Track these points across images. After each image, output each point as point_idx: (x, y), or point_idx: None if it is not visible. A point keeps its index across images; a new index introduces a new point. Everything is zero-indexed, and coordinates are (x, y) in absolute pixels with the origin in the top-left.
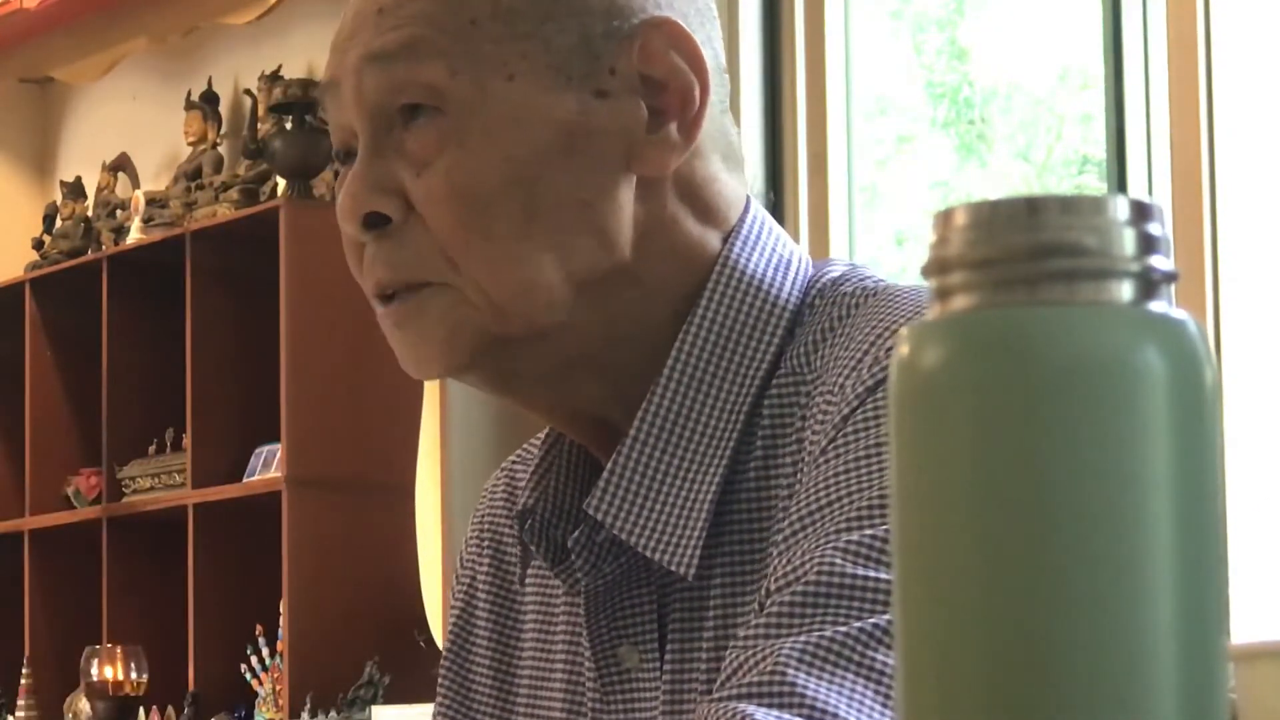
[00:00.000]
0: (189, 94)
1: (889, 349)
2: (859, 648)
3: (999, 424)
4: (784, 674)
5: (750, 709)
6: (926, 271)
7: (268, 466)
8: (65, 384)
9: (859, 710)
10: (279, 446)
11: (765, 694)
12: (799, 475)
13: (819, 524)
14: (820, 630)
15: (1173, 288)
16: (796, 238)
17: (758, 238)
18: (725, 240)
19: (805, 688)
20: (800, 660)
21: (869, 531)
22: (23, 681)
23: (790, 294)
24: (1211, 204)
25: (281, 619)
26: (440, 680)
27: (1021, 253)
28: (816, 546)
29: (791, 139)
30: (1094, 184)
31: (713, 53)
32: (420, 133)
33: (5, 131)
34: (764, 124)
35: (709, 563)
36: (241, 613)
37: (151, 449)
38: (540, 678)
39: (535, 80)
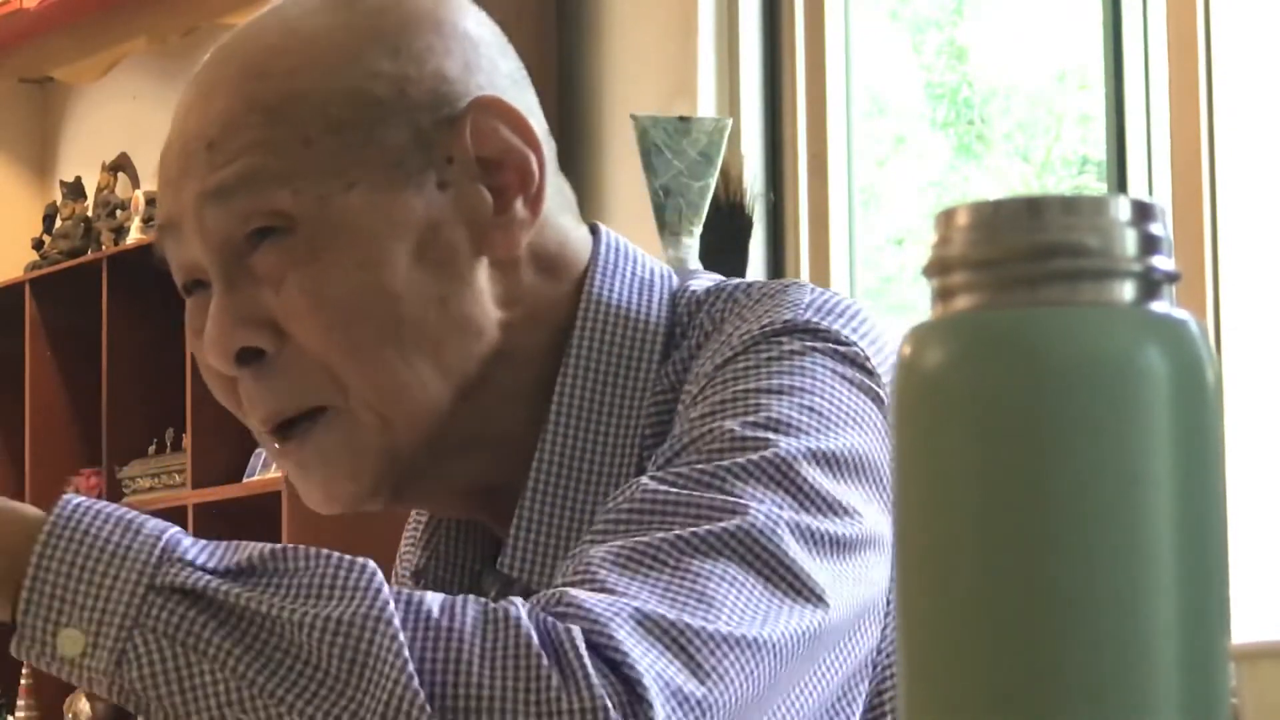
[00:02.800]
0: None
1: (741, 334)
2: (671, 552)
3: (1001, 424)
4: (595, 574)
5: (566, 589)
6: (928, 272)
7: (267, 467)
8: (65, 384)
9: (671, 602)
10: None
11: (575, 586)
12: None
13: (655, 464)
14: (632, 538)
15: (1174, 288)
16: (797, 238)
17: (615, 266)
18: (583, 279)
19: (617, 583)
20: (612, 562)
21: (699, 466)
22: (23, 682)
23: (659, 314)
24: (1211, 204)
25: None
26: None
27: (1023, 253)
28: (645, 476)
29: (791, 140)
30: (1093, 184)
31: (536, 120)
32: (268, 254)
33: (5, 131)
34: (764, 124)
35: None
36: None
37: (151, 449)
38: None
39: (376, 184)
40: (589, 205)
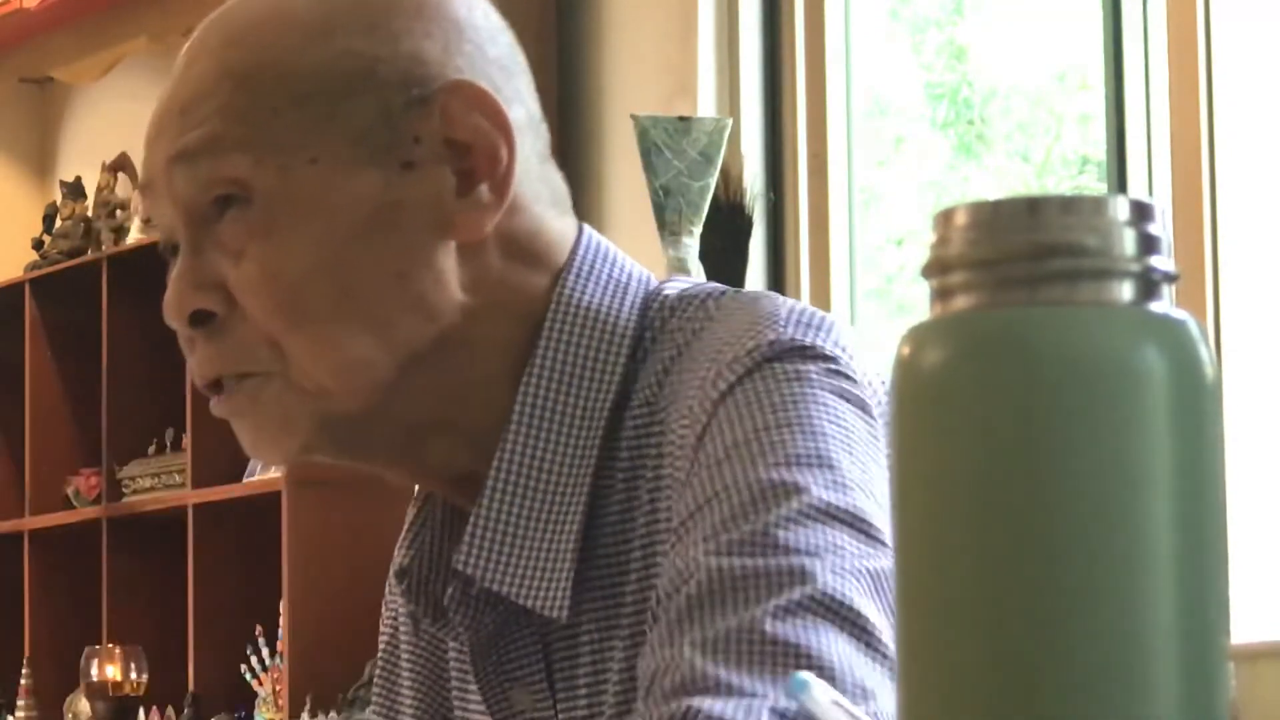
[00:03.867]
0: None
1: (729, 361)
2: (764, 631)
3: (1000, 423)
4: (700, 669)
5: (688, 701)
6: (927, 271)
7: (267, 467)
8: (65, 384)
9: (774, 688)
10: None
11: (693, 691)
12: (667, 504)
13: (694, 529)
14: (717, 623)
15: (1173, 288)
16: (797, 239)
17: (591, 267)
18: (557, 280)
19: (729, 679)
20: (711, 654)
21: (746, 527)
22: (22, 682)
23: (629, 317)
24: (1212, 204)
25: (281, 619)
26: (373, 705)
27: (1022, 253)
28: (695, 550)
29: (791, 140)
30: (1093, 184)
31: (523, 107)
32: (231, 224)
33: (5, 131)
34: (764, 125)
35: (578, 602)
36: (241, 613)
37: (151, 449)
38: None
39: (338, 160)
40: (589, 205)
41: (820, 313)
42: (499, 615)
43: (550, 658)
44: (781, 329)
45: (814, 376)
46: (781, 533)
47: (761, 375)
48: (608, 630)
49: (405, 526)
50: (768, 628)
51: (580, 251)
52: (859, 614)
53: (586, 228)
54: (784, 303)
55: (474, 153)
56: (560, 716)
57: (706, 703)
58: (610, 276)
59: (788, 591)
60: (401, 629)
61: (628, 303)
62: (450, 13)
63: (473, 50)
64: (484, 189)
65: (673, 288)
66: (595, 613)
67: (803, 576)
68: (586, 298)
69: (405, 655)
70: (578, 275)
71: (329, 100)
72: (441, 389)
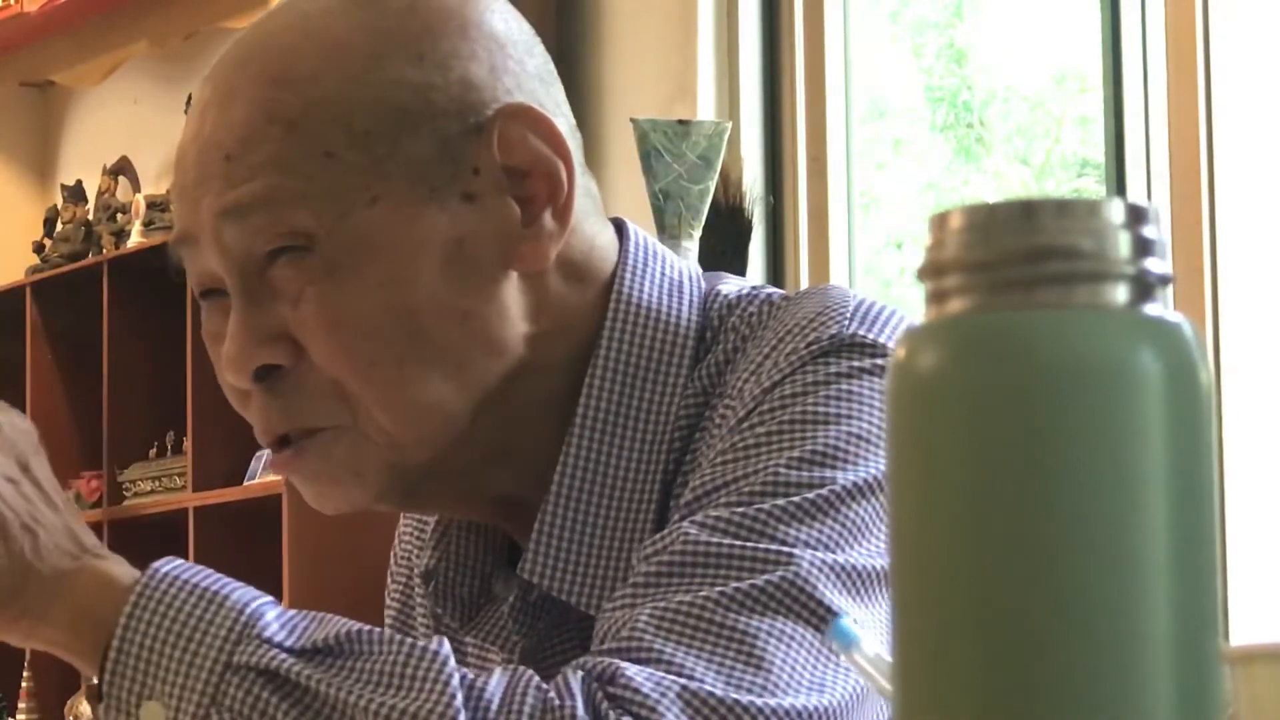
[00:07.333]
0: (189, 98)
1: (788, 353)
2: (718, 611)
3: (994, 426)
4: (642, 639)
5: (619, 662)
6: (922, 274)
7: (268, 470)
8: (66, 387)
9: (717, 671)
10: None
11: (627, 654)
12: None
13: (699, 508)
14: (677, 596)
15: (1168, 290)
16: (796, 242)
17: (645, 266)
18: (611, 281)
19: (663, 651)
20: (657, 626)
21: (740, 510)
22: (23, 684)
23: (689, 317)
24: (1210, 207)
25: None
26: None
27: (1017, 256)
28: (683, 521)
29: (790, 143)
30: (1093, 187)
31: (564, 118)
32: (287, 269)
33: (6, 135)
34: (763, 128)
35: None
36: None
37: (152, 452)
38: None
39: (399, 199)
40: None
41: (891, 308)
42: (550, 619)
43: None
44: (845, 323)
45: (865, 375)
46: (774, 521)
47: (814, 368)
48: None
49: (413, 523)
50: (719, 609)
51: (631, 251)
52: (827, 608)
53: (628, 225)
54: (853, 296)
55: (533, 178)
56: None
57: (630, 668)
58: (663, 275)
59: (752, 577)
60: (419, 622)
61: (685, 301)
62: (490, 29)
63: (516, 66)
64: (547, 216)
65: (728, 287)
66: None
67: (776, 564)
68: (644, 297)
69: (420, 610)
70: (633, 274)
71: (386, 138)
72: (506, 419)
